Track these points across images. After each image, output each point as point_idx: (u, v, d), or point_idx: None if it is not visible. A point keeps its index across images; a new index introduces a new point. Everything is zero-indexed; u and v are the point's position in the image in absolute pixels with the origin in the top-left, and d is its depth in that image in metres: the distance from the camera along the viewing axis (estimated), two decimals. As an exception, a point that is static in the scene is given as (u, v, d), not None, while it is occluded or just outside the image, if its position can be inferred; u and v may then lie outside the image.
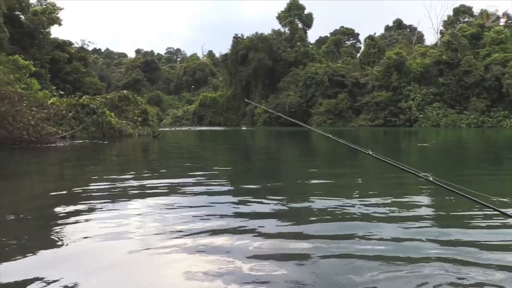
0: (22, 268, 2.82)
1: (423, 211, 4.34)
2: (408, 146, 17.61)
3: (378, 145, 19.38)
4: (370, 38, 70.08)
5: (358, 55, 76.60)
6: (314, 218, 4.19)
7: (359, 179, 7.02)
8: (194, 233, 3.60)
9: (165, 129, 41.92)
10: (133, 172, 8.38)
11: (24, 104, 15.90)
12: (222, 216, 4.25)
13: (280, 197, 5.20)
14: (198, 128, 53.88)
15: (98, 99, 24.53)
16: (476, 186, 6.02)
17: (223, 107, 77.26)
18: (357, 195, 5.28)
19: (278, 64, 72.63)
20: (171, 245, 3.27)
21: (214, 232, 3.64)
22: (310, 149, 17.18)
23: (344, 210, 4.53)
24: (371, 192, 5.54)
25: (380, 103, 57.52)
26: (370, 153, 2.83)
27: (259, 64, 71.27)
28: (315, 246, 3.26)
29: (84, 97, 23.37)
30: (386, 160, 2.52)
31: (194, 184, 6.30)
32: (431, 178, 2.13)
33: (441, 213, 4.40)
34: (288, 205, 4.93)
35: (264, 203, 4.84)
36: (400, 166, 2.38)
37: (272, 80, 71.18)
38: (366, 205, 4.71)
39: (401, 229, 3.70)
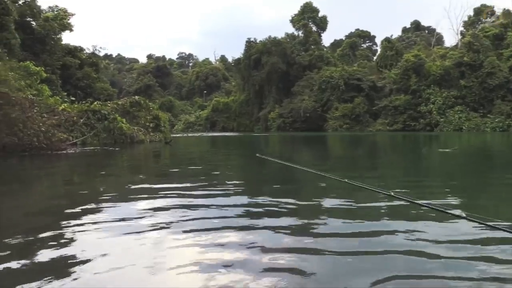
0: (31, 263, 2.91)
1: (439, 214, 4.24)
2: (429, 151, 17.35)
3: (396, 151, 19.16)
4: (387, 40, 69.79)
5: (375, 58, 76.33)
6: (327, 218, 4.26)
7: (376, 183, 6.92)
8: (207, 231, 3.71)
9: (177, 135, 42.20)
10: (145, 177, 8.45)
11: (35, 111, 16.17)
12: (234, 215, 4.39)
13: (293, 199, 5.22)
14: (211, 134, 54.11)
15: (109, 105, 24.87)
16: (503, 197, 5.86)
17: (236, 112, 77.62)
18: (374, 197, 5.20)
19: (292, 68, 72.77)
20: (184, 244, 3.31)
21: (227, 230, 3.76)
22: (326, 153, 17.06)
23: (358, 210, 4.54)
24: (387, 195, 5.47)
25: (398, 107, 57.07)
26: (392, 194, 2.99)
27: (273, 68, 71.52)
28: (328, 242, 3.35)
29: (95, 103, 23.71)
30: (418, 203, 2.52)
31: (206, 187, 6.34)
32: (464, 215, 2.30)
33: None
34: (301, 206, 4.95)
35: (277, 204, 4.91)
36: (439, 209, 2.42)
37: (286, 85, 71.31)
38: (381, 207, 4.66)
39: (415, 229, 3.70)
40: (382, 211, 4.61)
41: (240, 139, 35.18)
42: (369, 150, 19.61)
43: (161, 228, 3.83)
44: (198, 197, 5.55)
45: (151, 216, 4.38)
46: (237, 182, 7.37)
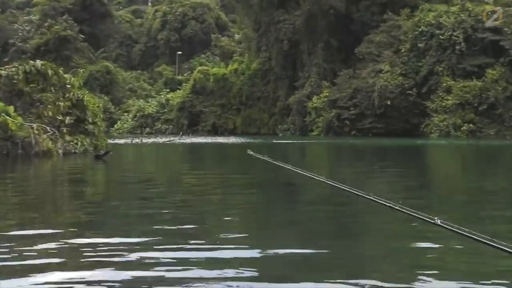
0: None
1: None
2: None
3: None
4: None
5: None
6: None
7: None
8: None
9: (121, 142, 42.40)
10: (50, 230, 8.40)
11: None
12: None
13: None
14: (190, 141, 54.12)
15: (-18, 77, 25.07)
16: None
17: (242, 96, 77.76)
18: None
19: (358, 7, 72.84)
20: None
21: None
22: (429, 179, 16.88)
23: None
24: None
25: None
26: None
27: (318, 7, 71.66)
28: None
29: (-45, 73, 23.92)
30: None
31: (169, 251, 6.30)
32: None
33: None
34: None
35: None
36: None
37: (345, 41, 71.50)
38: None
39: None
40: None
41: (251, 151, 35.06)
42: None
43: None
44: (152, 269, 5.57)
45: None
46: (238, 242, 7.32)
